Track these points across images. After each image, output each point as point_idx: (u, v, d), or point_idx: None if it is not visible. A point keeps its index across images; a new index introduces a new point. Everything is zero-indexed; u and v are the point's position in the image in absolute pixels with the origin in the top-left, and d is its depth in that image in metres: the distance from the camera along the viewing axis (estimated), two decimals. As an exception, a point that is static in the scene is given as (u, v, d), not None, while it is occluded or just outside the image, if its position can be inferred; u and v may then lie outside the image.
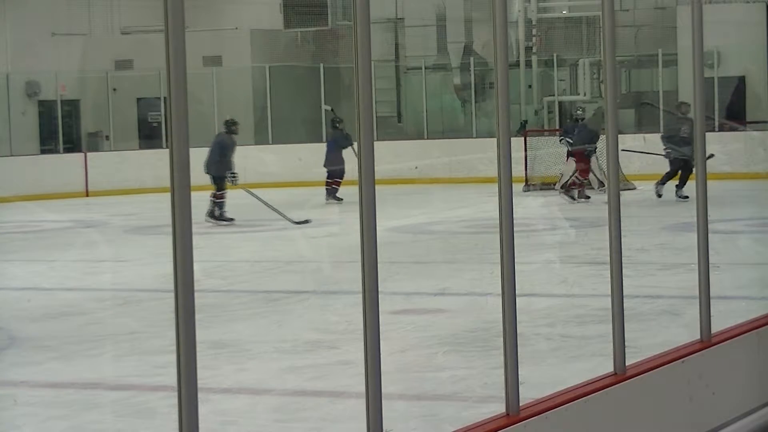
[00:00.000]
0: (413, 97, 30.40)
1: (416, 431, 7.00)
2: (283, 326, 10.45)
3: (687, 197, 19.47)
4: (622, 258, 5.71)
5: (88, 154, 28.06)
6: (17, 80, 28.92)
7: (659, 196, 20.52)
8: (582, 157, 21.87)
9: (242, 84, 30.27)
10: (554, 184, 23.19)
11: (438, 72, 30.25)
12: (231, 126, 20.14)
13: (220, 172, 19.14)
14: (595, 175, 22.57)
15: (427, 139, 29.01)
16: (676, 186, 20.34)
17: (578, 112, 23.97)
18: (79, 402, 7.96)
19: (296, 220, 18.38)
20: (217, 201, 19.12)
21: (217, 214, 19.07)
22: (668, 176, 20.76)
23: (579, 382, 5.57)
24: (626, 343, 5.73)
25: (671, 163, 20.79)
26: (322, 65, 29.41)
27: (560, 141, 23.20)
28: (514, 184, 4.90)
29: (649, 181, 23.55)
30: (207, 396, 6.96)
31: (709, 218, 6.55)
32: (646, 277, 11.78)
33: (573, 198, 21.51)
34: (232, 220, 19.07)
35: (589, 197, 21.42)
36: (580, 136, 22.35)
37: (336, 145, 23.47)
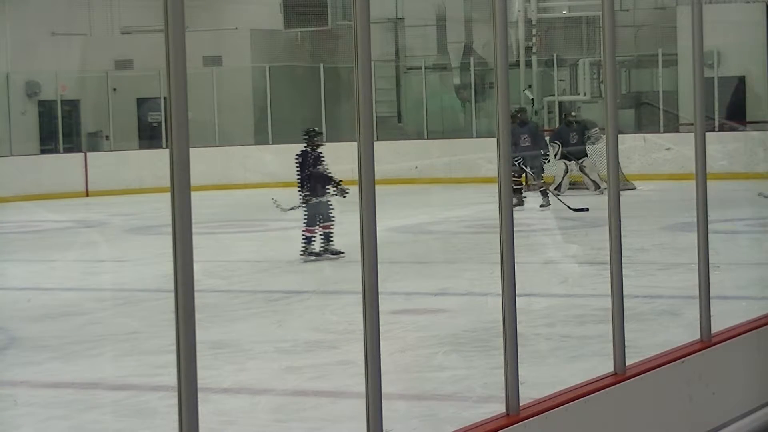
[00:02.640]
0: (413, 97, 30.39)
1: (416, 431, 6.99)
2: (283, 326, 10.45)
3: None
4: (622, 258, 5.71)
5: (88, 154, 28.04)
6: (17, 80, 28.91)
7: None
8: None
9: (242, 84, 30.26)
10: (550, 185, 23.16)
11: (438, 72, 30.23)
12: (519, 114, 21.21)
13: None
14: (588, 177, 22.51)
15: (427, 139, 29.00)
16: None
17: (573, 114, 23.74)
18: (79, 402, 7.96)
19: (575, 208, 18.61)
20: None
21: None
22: None
23: (579, 382, 5.58)
24: (626, 343, 5.74)
25: None
26: (322, 65, 29.40)
27: (552, 149, 22.34)
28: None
29: (649, 181, 23.60)
30: (207, 396, 6.96)
31: (709, 218, 6.56)
32: (646, 277, 11.77)
33: None
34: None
35: None
36: (578, 137, 22.32)
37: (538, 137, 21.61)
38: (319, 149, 14.63)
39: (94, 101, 30.03)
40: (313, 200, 14.33)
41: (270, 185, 25.89)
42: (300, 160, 14.59)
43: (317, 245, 14.37)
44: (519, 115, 21.28)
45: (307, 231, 14.34)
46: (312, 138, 14.67)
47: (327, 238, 14.31)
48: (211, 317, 10.28)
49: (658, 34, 28.69)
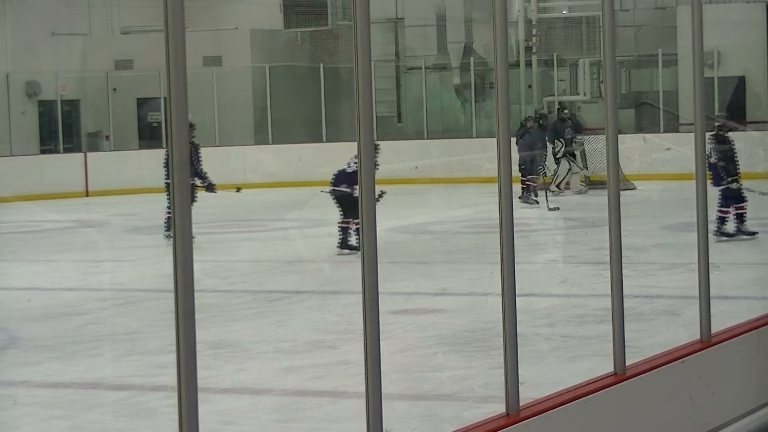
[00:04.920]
0: (413, 97, 30.39)
1: (416, 431, 6.99)
2: (283, 326, 10.45)
3: None
4: (622, 258, 5.71)
5: (88, 154, 28.04)
6: (17, 80, 28.90)
7: None
8: None
9: (242, 84, 30.25)
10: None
11: (438, 72, 30.24)
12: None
13: None
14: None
15: (427, 139, 29.00)
16: None
17: (565, 111, 23.80)
18: (79, 402, 7.96)
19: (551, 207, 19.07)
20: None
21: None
22: None
23: (579, 382, 5.57)
24: (626, 343, 5.74)
25: None
26: (321, 65, 29.41)
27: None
28: (513, 184, 4.91)
29: (649, 181, 23.59)
30: (207, 396, 6.97)
31: (709, 218, 6.56)
32: (646, 277, 11.77)
33: None
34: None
35: None
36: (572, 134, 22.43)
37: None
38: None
39: (94, 101, 30.03)
40: (735, 183, 14.65)
41: (270, 185, 25.93)
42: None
43: (730, 227, 14.70)
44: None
45: (722, 212, 14.60)
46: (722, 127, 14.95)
47: (741, 219, 14.71)
48: (211, 317, 10.28)
49: (658, 34, 28.69)
